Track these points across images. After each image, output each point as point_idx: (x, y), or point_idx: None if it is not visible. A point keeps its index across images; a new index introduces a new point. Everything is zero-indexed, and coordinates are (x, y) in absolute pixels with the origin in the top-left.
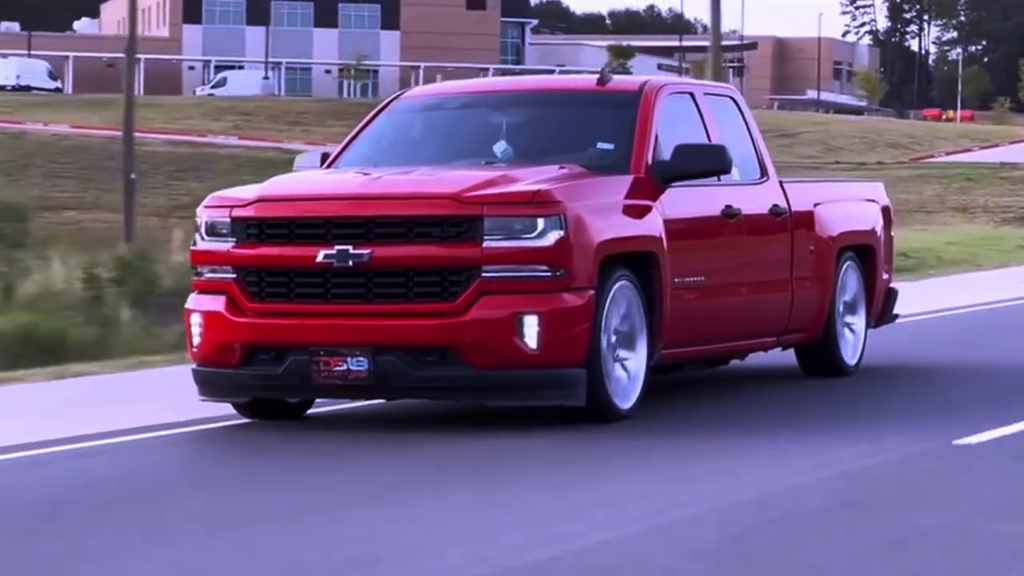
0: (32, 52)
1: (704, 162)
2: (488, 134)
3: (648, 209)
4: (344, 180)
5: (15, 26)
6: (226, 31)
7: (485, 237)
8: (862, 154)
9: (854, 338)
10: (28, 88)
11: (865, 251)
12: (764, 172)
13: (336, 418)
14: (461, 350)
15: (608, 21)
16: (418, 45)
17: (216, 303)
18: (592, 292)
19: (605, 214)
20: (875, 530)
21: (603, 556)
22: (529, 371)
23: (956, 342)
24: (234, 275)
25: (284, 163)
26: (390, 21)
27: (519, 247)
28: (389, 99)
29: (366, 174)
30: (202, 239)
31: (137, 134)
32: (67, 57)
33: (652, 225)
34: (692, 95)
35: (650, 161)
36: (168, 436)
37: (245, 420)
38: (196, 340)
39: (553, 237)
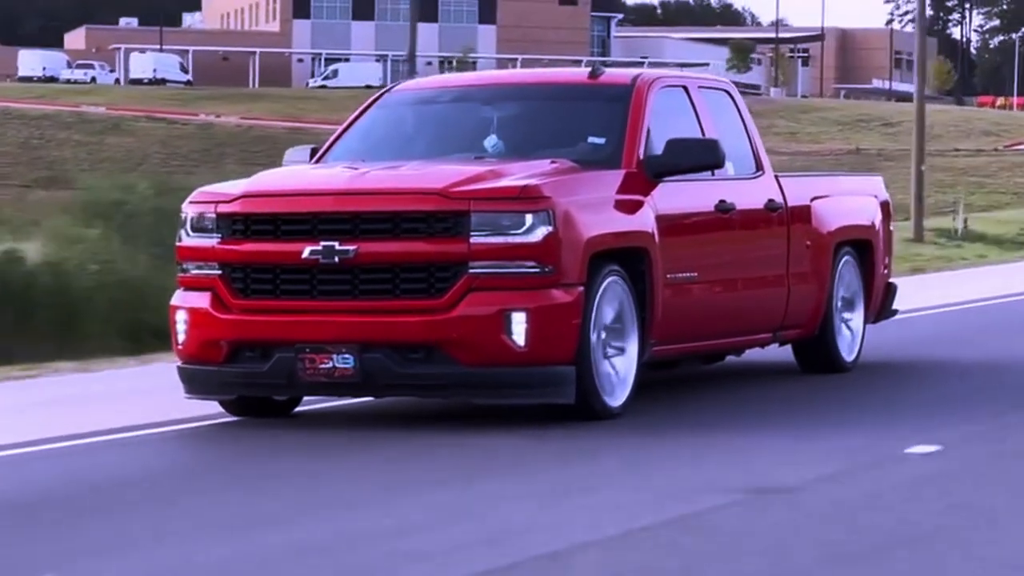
0: (146, 47)
1: (696, 156)
2: (479, 128)
3: (639, 204)
4: (331, 175)
5: (134, 21)
6: (333, 25)
7: (472, 233)
8: (959, 141)
9: (852, 334)
10: (163, 81)
11: (864, 246)
12: (759, 167)
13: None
14: (448, 347)
15: (659, 11)
16: (513, 39)
17: (202, 300)
18: (581, 288)
19: (595, 209)
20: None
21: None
22: (517, 368)
23: None
24: (219, 271)
25: None
26: (487, 16)
27: (507, 243)
28: (379, 93)
29: (354, 169)
30: (187, 235)
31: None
32: (186, 51)
33: (643, 220)
34: (686, 88)
35: (642, 156)
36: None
37: (232, 418)
38: (181, 337)
39: (541, 233)
